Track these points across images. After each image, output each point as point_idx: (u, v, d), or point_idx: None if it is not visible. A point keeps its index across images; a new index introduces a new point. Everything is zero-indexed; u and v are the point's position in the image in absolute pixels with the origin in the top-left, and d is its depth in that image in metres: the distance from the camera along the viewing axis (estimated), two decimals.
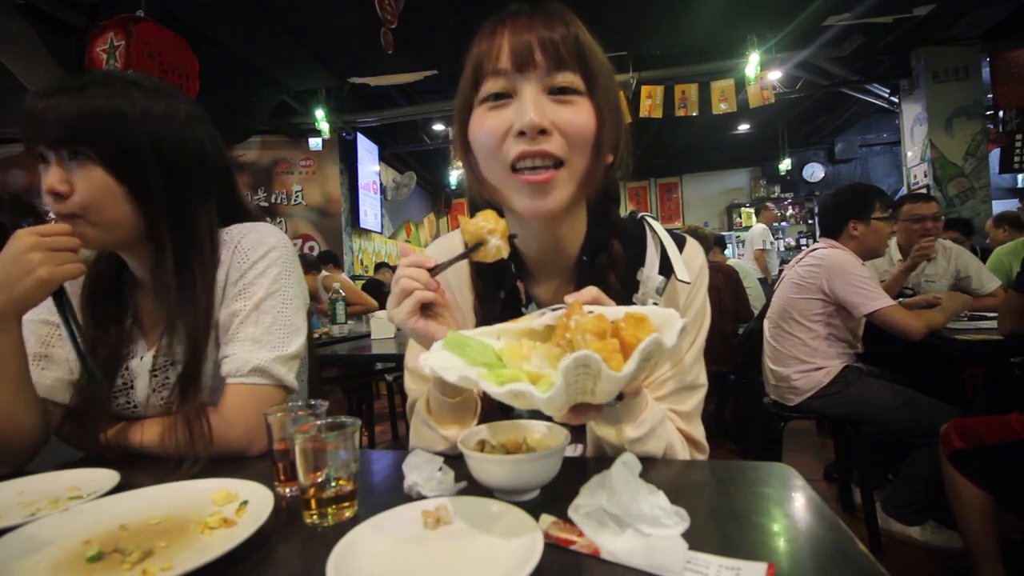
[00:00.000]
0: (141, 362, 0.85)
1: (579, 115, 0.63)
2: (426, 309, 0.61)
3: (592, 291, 0.55)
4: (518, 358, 0.52)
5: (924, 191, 5.15)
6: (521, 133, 0.61)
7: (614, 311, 0.52)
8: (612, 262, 0.74)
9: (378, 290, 4.87)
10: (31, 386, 0.78)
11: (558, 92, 0.63)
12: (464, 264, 0.82)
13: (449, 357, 0.52)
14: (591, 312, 0.50)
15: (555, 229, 0.73)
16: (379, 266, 6.22)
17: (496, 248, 0.62)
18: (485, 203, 0.72)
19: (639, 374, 0.47)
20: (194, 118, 0.85)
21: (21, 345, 0.75)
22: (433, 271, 0.61)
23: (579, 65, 0.63)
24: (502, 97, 0.63)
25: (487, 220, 0.63)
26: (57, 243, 0.73)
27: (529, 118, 0.60)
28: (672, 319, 0.50)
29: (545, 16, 0.63)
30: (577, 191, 0.66)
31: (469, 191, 0.75)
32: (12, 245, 0.72)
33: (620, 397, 0.62)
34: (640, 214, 0.81)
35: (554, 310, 0.55)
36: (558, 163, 0.63)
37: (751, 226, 9.01)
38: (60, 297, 0.76)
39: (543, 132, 0.61)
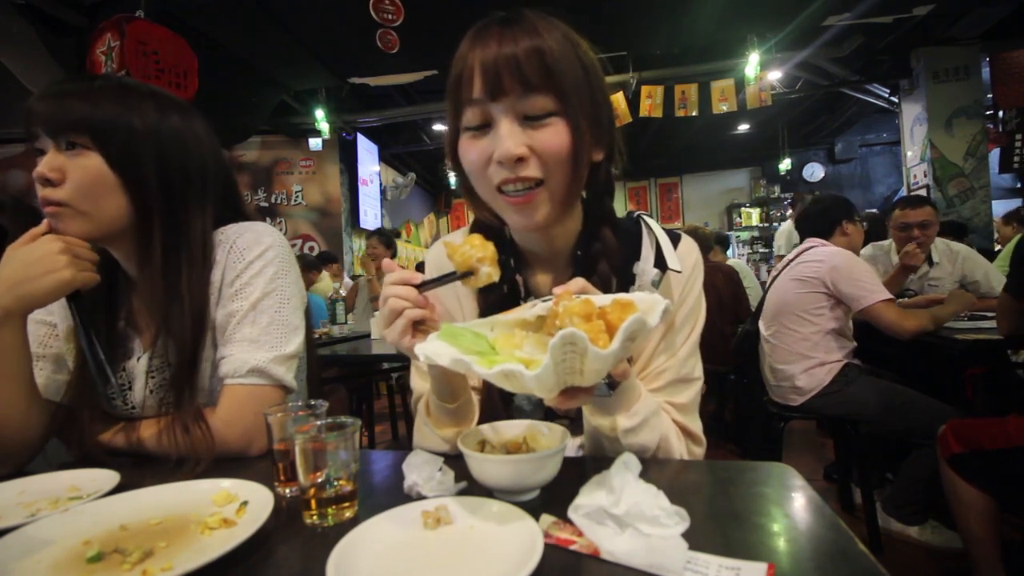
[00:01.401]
0: (138, 363, 0.85)
1: (554, 138, 0.65)
2: (418, 325, 0.61)
3: (579, 282, 0.57)
4: (510, 346, 0.54)
5: (924, 191, 5.14)
6: (501, 162, 0.64)
7: (602, 299, 0.54)
8: (605, 250, 0.76)
9: None
10: (35, 385, 0.78)
11: (532, 118, 0.65)
12: None
13: (443, 346, 0.53)
14: (579, 297, 0.51)
15: (549, 230, 0.75)
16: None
17: (487, 275, 0.63)
18: (478, 206, 0.75)
19: (624, 353, 0.49)
20: (202, 139, 0.87)
21: (27, 343, 0.76)
22: (421, 287, 0.61)
23: (549, 85, 0.63)
24: (482, 126, 0.66)
25: (475, 247, 0.62)
26: (80, 252, 0.76)
27: (505, 151, 0.63)
28: (657, 303, 0.51)
29: (512, 33, 0.64)
30: (561, 202, 0.70)
31: (464, 197, 0.78)
32: (37, 247, 0.74)
33: (613, 387, 0.63)
34: (637, 213, 0.83)
35: (545, 301, 0.56)
36: (539, 182, 0.66)
37: (751, 226, 9.05)
38: (76, 302, 0.77)
39: (520, 160, 0.64)
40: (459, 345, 0.53)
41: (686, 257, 0.79)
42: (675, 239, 0.80)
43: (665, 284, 0.77)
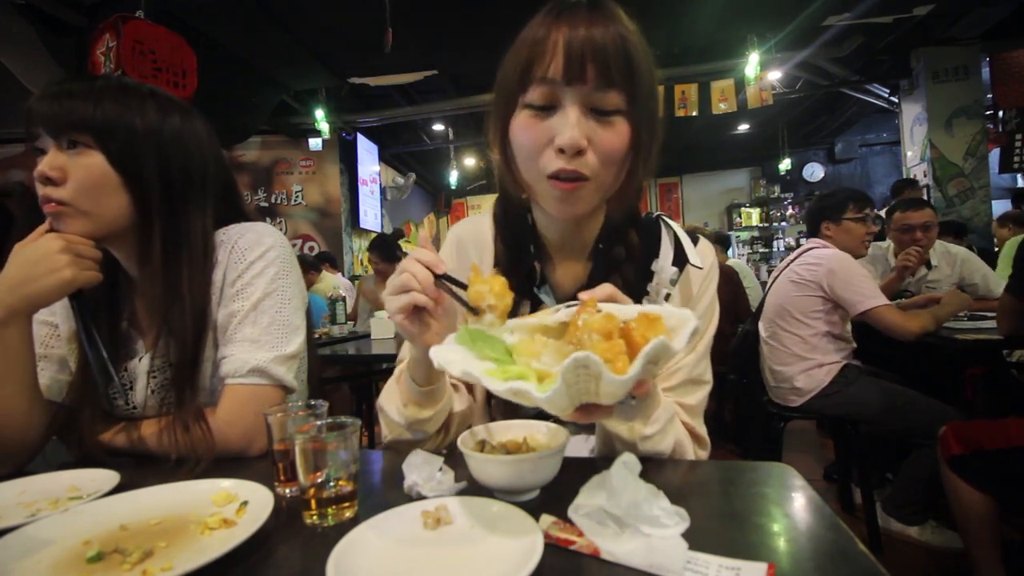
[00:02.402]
0: (140, 363, 0.85)
1: (616, 137, 0.64)
2: (419, 310, 0.61)
3: (607, 288, 0.56)
4: (529, 355, 0.52)
5: (924, 191, 5.14)
6: (561, 150, 0.63)
7: (628, 310, 0.51)
8: (629, 253, 0.76)
9: None
10: (38, 386, 0.78)
11: (600, 112, 0.63)
12: (489, 235, 0.84)
13: (458, 350, 0.51)
14: (600, 312, 0.49)
15: (577, 221, 0.76)
16: None
17: (488, 323, 0.61)
18: (515, 187, 0.73)
19: (645, 377, 0.46)
20: (203, 140, 0.87)
21: (31, 344, 0.76)
22: (438, 280, 0.61)
23: (625, 83, 0.63)
24: (546, 108, 0.64)
25: (492, 292, 0.60)
26: (82, 251, 0.76)
27: (571, 140, 0.62)
28: (686, 320, 0.49)
29: (602, 19, 0.63)
30: (602, 198, 0.71)
31: (499, 176, 0.76)
32: (39, 246, 0.74)
33: (634, 396, 0.62)
34: (656, 214, 0.83)
35: (569, 306, 0.55)
36: (586, 177, 0.65)
37: (751, 226, 9.04)
38: (79, 301, 0.78)
39: (579, 152, 0.63)
40: (476, 349, 0.51)
41: (704, 257, 0.80)
42: (694, 240, 0.81)
43: (684, 280, 0.77)
